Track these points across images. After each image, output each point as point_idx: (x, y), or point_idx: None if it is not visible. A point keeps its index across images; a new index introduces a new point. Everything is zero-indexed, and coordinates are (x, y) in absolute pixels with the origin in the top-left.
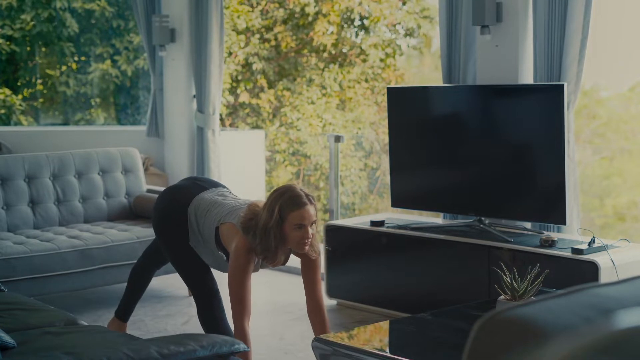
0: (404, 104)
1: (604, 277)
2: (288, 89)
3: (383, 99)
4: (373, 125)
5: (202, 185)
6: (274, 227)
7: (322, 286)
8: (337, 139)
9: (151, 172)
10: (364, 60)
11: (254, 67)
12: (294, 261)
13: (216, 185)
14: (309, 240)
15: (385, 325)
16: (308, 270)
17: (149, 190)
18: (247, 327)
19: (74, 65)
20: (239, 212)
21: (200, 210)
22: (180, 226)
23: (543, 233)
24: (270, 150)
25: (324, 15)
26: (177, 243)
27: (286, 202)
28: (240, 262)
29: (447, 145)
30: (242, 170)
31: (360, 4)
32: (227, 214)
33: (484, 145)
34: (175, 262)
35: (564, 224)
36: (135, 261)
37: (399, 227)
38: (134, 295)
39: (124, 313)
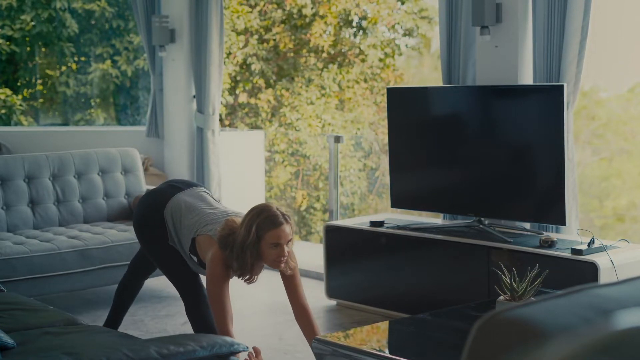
0: (404, 105)
1: (604, 277)
2: (287, 89)
3: (382, 99)
4: (372, 125)
5: (178, 187)
6: (250, 246)
7: (323, 286)
8: (337, 139)
9: (151, 172)
10: (363, 61)
11: (253, 67)
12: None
13: (193, 185)
14: (285, 258)
15: (384, 325)
16: (287, 279)
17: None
18: (231, 330)
19: (73, 66)
20: (215, 226)
21: (177, 213)
22: (160, 228)
23: (542, 233)
24: (269, 150)
25: (321, 17)
26: (159, 245)
27: (263, 221)
28: (217, 271)
29: (447, 145)
30: (241, 170)
31: (357, 5)
32: (204, 225)
33: (484, 146)
34: (160, 264)
35: (564, 224)
36: None
37: (399, 227)
38: (121, 309)
39: (112, 325)
